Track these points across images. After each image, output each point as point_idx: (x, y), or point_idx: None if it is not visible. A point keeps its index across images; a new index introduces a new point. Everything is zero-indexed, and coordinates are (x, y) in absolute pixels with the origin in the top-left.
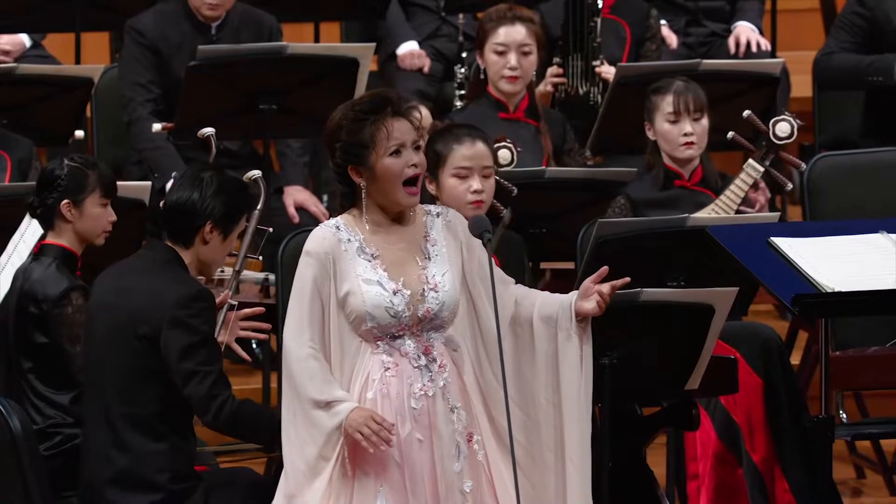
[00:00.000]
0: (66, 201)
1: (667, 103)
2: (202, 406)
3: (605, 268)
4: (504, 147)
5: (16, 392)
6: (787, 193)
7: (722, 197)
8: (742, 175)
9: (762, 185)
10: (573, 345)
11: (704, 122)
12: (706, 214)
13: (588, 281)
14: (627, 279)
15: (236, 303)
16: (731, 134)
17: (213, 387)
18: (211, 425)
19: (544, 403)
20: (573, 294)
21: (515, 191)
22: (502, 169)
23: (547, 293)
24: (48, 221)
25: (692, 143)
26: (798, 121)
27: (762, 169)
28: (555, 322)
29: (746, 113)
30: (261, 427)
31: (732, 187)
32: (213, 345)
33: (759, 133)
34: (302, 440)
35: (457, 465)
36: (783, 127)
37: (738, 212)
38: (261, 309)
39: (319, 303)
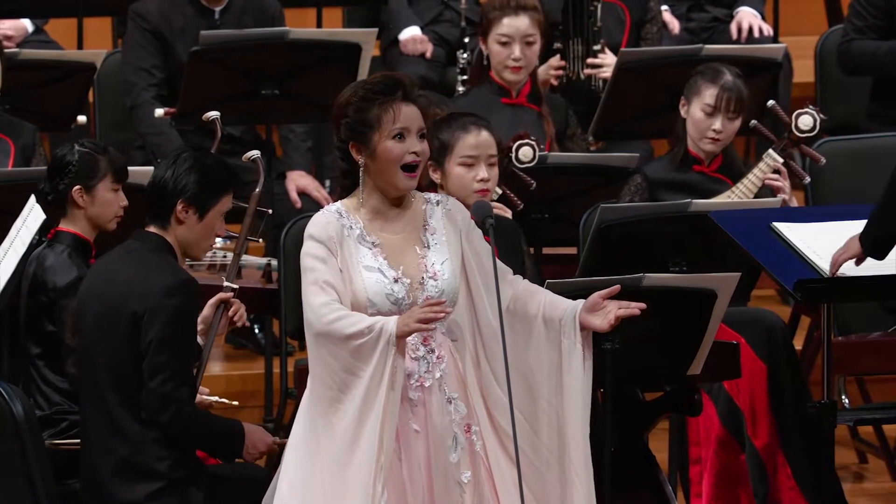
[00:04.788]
0: (77, 187)
1: (709, 94)
2: (160, 406)
3: (617, 286)
4: (526, 144)
5: (23, 377)
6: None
7: (739, 185)
8: (761, 164)
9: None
10: (578, 356)
11: (738, 122)
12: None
13: (597, 295)
14: (643, 305)
15: (237, 286)
16: (753, 122)
17: (175, 389)
18: (165, 426)
19: (546, 406)
20: (578, 303)
21: (534, 184)
22: (523, 166)
23: (550, 294)
24: (61, 208)
25: (718, 139)
26: (822, 115)
27: (781, 160)
28: (558, 328)
29: (771, 103)
30: (218, 432)
31: (750, 176)
32: (188, 341)
33: (780, 123)
34: (348, 375)
35: (454, 456)
36: (806, 120)
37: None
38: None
39: (335, 269)
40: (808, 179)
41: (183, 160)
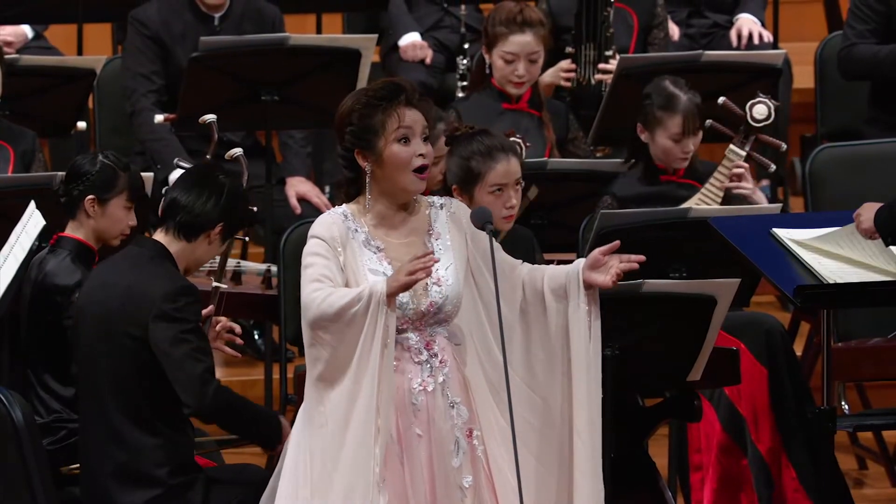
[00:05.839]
0: (91, 196)
1: (674, 124)
2: (197, 389)
3: (616, 242)
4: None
5: (22, 384)
6: (770, 175)
7: (707, 185)
8: (724, 161)
9: (746, 173)
10: (582, 314)
11: (700, 134)
12: (693, 204)
13: (598, 252)
14: (642, 257)
15: (226, 286)
16: (709, 121)
17: (206, 371)
18: (204, 409)
19: (560, 377)
20: (579, 262)
21: (522, 184)
22: None
23: (552, 267)
24: (70, 212)
25: (689, 157)
26: (774, 101)
27: (743, 153)
28: (564, 292)
29: (721, 99)
30: (256, 418)
31: (716, 174)
32: (203, 335)
33: (737, 118)
34: (344, 351)
35: (455, 461)
36: (760, 109)
37: (725, 197)
38: (237, 326)
39: (335, 265)
40: (773, 168)
41: (231, 190)
